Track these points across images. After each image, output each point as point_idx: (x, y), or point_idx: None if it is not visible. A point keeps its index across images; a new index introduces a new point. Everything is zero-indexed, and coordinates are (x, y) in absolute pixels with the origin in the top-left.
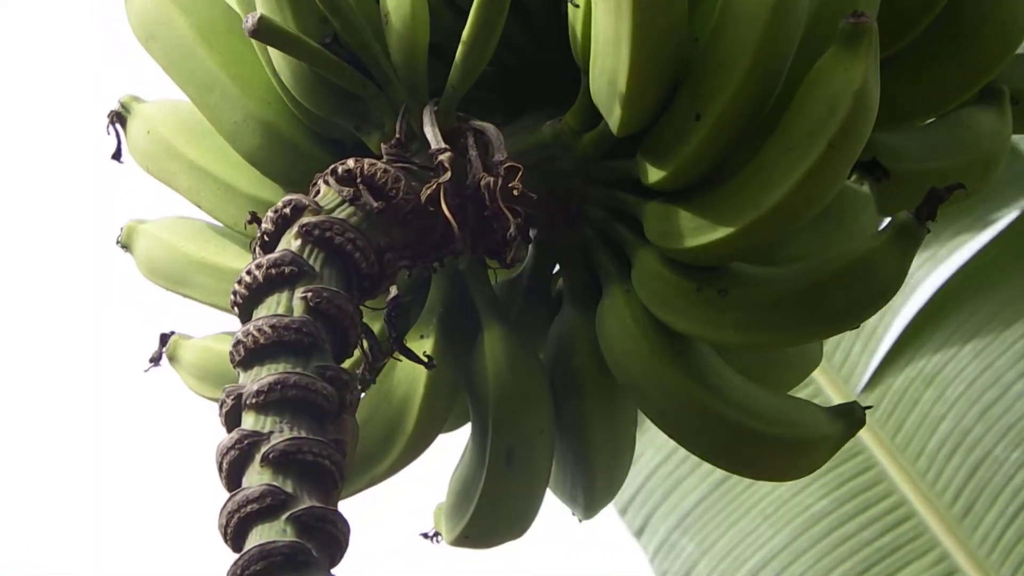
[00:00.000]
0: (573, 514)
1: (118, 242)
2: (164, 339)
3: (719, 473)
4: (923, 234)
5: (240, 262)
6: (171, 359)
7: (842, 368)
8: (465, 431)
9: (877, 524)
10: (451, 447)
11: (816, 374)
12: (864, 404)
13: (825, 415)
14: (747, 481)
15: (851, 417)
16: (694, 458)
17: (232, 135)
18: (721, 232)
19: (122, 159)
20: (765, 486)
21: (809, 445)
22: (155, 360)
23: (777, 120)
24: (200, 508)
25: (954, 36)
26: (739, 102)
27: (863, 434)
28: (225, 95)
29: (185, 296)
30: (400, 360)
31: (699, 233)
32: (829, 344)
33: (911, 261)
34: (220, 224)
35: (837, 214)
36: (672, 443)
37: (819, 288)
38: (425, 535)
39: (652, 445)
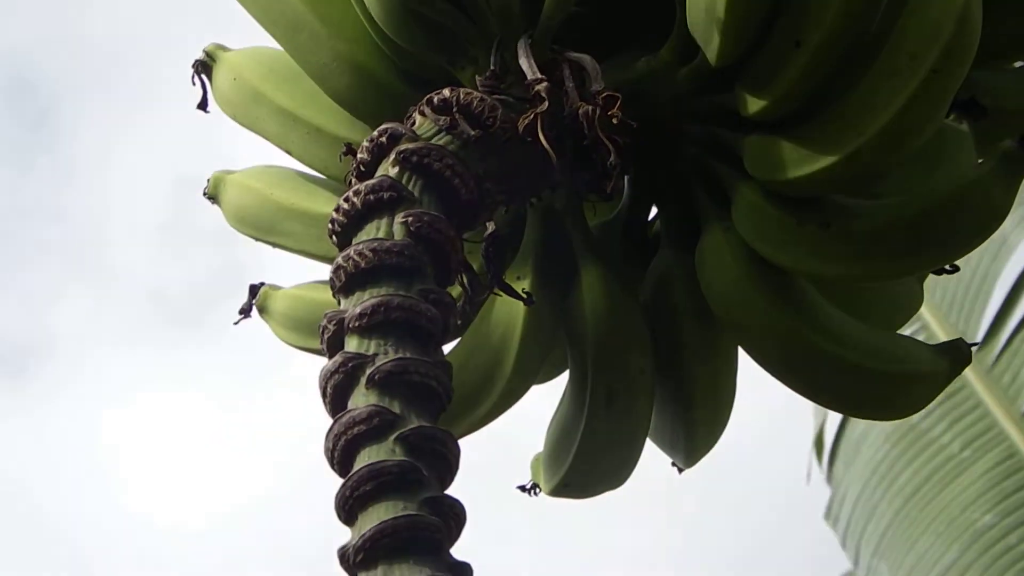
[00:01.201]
0: (673, 464)
1: (205, 193)
2: (254, 290)
3: (902, 496)
4: None
5: (331, 207)
6: (261, 310)
7: (1010, 389)
8: (559, 385)
9: None
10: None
11: (978, 388)
12: None
13: (930, 351)
14: (924, 500)
15: (957, 353)
16: (884, 483)
17: (321, 76)
18: (825, 161)
19: (208, 108)
20: (938, 504)
21: (915, 381)
22: (245, 311)
23: (877, 50)
24: (200, 509)
25: None
26: (839, 27)
27: None
28: (313, 35)
29: (275, 245)
30: (499, 295)
31: (803, 164)
32: (1004, 359)
33: (1017, 189)
34: (309, 170)
35: (935, 152)
36: (867, 472)
37: (924, 217)
38: (522, 487)
39: (851, 478)
